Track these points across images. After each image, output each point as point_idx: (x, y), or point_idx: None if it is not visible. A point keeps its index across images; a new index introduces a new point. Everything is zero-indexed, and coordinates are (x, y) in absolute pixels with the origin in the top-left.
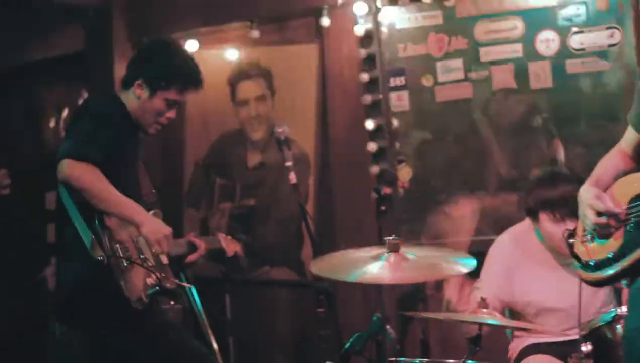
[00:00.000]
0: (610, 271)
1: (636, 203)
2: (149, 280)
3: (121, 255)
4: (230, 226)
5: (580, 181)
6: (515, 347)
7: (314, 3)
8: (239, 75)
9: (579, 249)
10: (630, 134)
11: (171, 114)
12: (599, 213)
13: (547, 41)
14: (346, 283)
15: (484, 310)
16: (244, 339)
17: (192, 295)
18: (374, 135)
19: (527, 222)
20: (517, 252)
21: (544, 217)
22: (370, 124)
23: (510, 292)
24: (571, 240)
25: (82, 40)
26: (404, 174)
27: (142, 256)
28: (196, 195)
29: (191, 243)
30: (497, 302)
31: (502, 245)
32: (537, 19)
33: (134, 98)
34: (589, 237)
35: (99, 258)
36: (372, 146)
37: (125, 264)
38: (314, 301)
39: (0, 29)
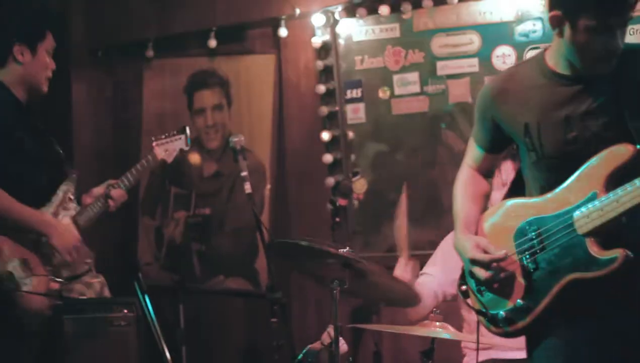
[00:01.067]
0: (525, 320)
1: (523, 239)
2: (52, 285)
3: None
4: (185, 235)
5: None
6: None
7: (272, 13)
8: (196, 84)
9: (480, 303)
10: (477, 153)
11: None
12: (487, 266)
13: (504, 56)
14: (300, 295)
15: (437, 323)
16: (197, 349)
17: (146, 304)
18: (329, 146)
19: None
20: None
21: None
22: (326, 136)
23: (447, 286)
24: (468, 300)
25: None
26: (359, 186)
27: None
28: (151, 204)
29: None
30: (441, 295)
31: (445, 241)
32: (494, 34)
33: (17, 66)
34: (483, 289)
35: None
36: (328, 158)
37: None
38: (268, 311)
39: None
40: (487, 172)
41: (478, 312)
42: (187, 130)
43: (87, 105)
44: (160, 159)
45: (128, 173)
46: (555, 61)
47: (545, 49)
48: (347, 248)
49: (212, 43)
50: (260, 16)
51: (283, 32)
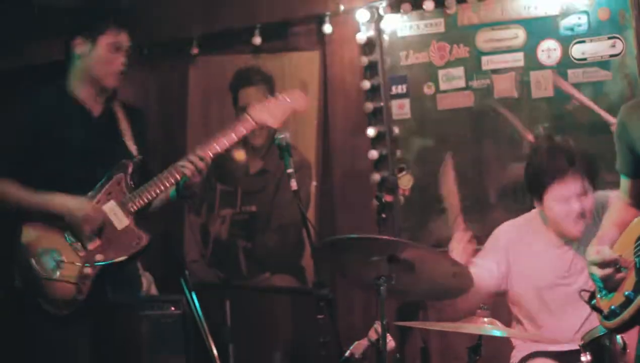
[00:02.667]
0: (628, 309)
1: None
2: (86, 270)
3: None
4: (231, 232)
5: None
6: (516, 355)
7: (316, 10)
8: (241, 81)
9: (600, 304)
10: (623, 183)
11: (122, 59)
12: (602, 266)
13: (549, 50)
14: (347, 291)
15: (485, 319)
16: (243, 346)
17: (193, 301)
18: (375, 142)
19: (533, 210)
20: (518, 237)
21: (547, 197)
22: (371, 132)
23: (505, 279)
24: (592, 302)
25: None
26: (405, 181)
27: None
28: (197, 201)
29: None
30: (494, 281)
31: (504, 232)
32: (538, 28)
33: (77, 60)
34: (603, 293)
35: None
36: (373, 154)
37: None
38: (314, 308)
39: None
40: (637, 200)
41: (593, 308)
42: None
43: (133, 103)
44: (261, 124)
45: (213, 141)
46: None
47: None
48: None
49: (257, 40)
50: (304, 13)
51: (327, 28)
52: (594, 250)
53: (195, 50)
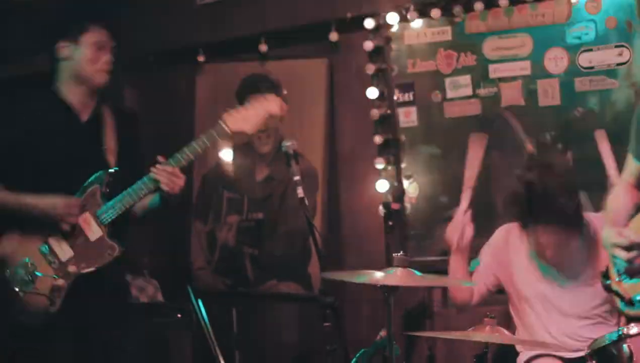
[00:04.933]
0: None
1: None
2: (59, 282)
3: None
4: (237, 239)
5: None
6: (522, 358)
7: (323, 18)
8: (248, 88)
9: (618, 287)
10: (633, 166)
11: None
12: (627, 249)
13: (556, 59)
14: (353, 298)
15: (491, 327)
16: (250, 353)
17: (199, 308)
18: (382, 150)
19: None
20: (507, 245)
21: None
22: (378, 139)
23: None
24: (607, 282)
25: None
26: (412, 189)
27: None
28: (204, 208)
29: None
30: (484, 288)
31: (498, 238)
32: (546, 37)
33: (64, 63)
34: (623, 277)
35: None
36: (380, 161)
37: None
38: (321, 315)
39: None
40: None
41: (615, 294)
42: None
43: (139, 110)
44: (235, 131)
45: (185, 148)
46: None
47: None
48: (401, 252)
49: (263, 48)
50: (311, 20)
51: (334, 36)
52: (615, 232)
53: (201, 58)
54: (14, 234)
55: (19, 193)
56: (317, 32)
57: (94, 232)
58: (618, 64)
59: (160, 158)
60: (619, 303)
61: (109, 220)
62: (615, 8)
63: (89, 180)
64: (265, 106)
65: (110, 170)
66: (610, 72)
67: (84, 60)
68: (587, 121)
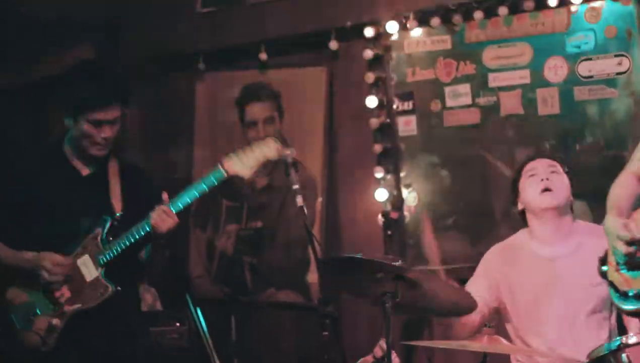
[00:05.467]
0: None
1: None
2: (54, 321)
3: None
4: (236, 248)
5: None
6: None
7: (323, 26)
8: (248, 96)
9: (615, 277)
10: (639, 156)
11: (105, 133)
12: (629, 243)
13: (556, 68)
14: (352, 308)
15: (489, 337)
16: (248, 361)
17: (198, 317)
18: (381, 159)
19: (520, 230)
20: (505, 260)
21: (522, 181)
22: (377, 148)
23: (497, 298)
24: (604, 267)
25: (93, 57)
26: (411, 198)
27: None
28: (203, 216)
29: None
30: (485, 308)
31: (492, 256)
32: (545, 46)
33: (69, 132)
34: (622, 267)
35: None
36: (379, 170)
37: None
38: (319, 324)
39: (9, 44)
40: None
41: (610, 284)
42: (275, 141)
43: (138, 119)
44: (233, 174)
45: (184, 193)
46: None
47: None
48: (400, 261)
49: (263, 56)
50: (311, 29)
51: (334, 44)
52: (621, 223)
53: (201, 66)
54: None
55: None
56: (316, 41)
57: (91, 273)
58: (617, 73)
59: (164, 195)
60: (612, 294)
61: (105, 260)
62: (614, 17)
63: (91, 225)
64: (265, 151)
65: (114, 216)
66: (610, 82)
67: (80, 135)
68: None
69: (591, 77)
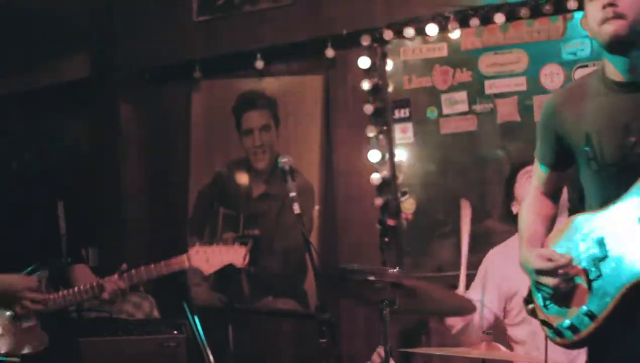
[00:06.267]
0: (589, 327)
1: (586, 248)
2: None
3: None
4: None
5: None
6: None
7: (319, 34)
8: (244, 104)
9: (547, 317)
10: (541, 173)
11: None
12: (553, 274)
13: (552, 75)
14: (349, 315)
15: (487, 343)
16: None
17: (195, 325)
18: (378, 166)
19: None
20: (500, 261)
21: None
22: (374, 156)
23: (499, 302)
24: (530, 306)
25: (89, 66)
26: (408, 205)
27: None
28: (199, 224)
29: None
30: (490, 315)
31: (489, 259)
32: (541, 53)
33: None
34: (548, 303)
35: None
36: (376, 178)
37: None
38: (317, 332)
39: (5, 52)
40: (553, 193)
41: (543, 323)
42: (249, 245)
43: (135, 127)
44: (194, 267)
45: (143, 269)
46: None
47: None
48: (397, 268)
49: (259, 64)
50: (307, 37)
51: (330, 52)
52: (535, 255)
53: (198, 74)
54: None
55: None
56: (313, 49)
57: (30, 319)
58: None
59: (123, 266)
60: (548, 332)
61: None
62: None
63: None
64: (231, 256)
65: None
66: None
67: None
68: None
69: None
